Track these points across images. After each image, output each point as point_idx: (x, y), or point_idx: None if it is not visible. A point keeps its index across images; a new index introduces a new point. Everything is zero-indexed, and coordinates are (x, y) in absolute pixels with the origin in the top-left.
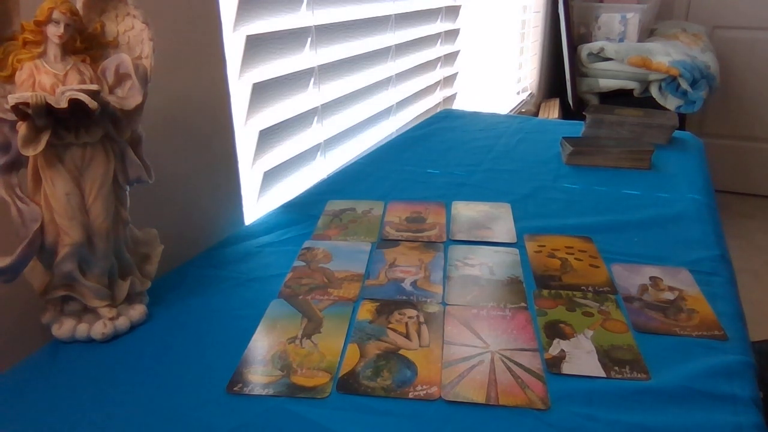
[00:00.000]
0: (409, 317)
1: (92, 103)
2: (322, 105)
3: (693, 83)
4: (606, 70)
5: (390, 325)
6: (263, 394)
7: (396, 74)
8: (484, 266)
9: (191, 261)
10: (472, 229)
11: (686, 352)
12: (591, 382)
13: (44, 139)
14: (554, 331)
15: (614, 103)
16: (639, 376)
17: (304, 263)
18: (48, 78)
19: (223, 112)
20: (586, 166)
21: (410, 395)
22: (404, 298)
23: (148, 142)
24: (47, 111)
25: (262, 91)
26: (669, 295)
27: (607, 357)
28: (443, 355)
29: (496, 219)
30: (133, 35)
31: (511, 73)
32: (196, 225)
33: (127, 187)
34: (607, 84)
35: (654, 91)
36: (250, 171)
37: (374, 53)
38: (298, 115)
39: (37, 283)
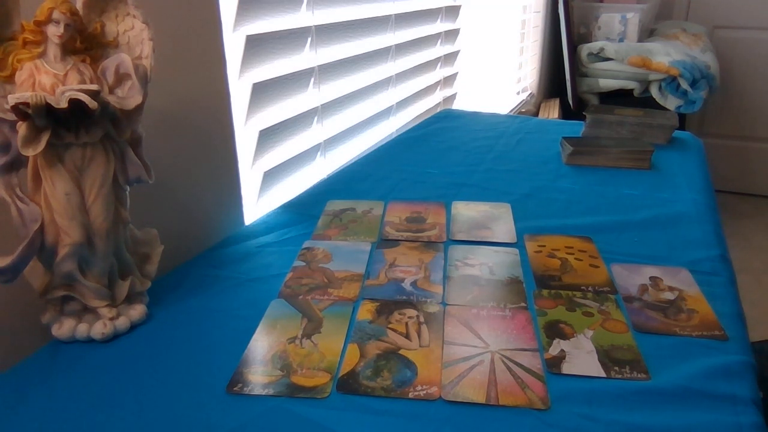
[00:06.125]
0: (409, 317)
1: (92, 103)
2: (322, 105)
3: (693, 83)
4: (606, 70)
5: (390, 325)
6: (263, 394)
7: (396, 74)
8: (484, 266)
9: (191, 261)
10: (472, 229)
11: (686, 352)
12: (591, 382)
13: (44, 139)
14: (554, 331)
15: (614, 103)
16: (639, 376)
17: (304, 263)
18: (48, 78)
19: (223, 112)
20: (586, 166)
21: (410, 395)
22: (404, 298)
23: (148, 142)
24: (47, 111)
25: (262, 91)
26: (669, 295)
27: (607, 357)
28: (443, 355)
29: (496, 219)
30: (133, 35)
31: (511, 73)
32: (196, 225)
33: (127, 187)
34: (607, 84)
35: (654, 91)
36: (250, 171)
37: (374, 53)
38: (298, 115)
39: (37, 283)
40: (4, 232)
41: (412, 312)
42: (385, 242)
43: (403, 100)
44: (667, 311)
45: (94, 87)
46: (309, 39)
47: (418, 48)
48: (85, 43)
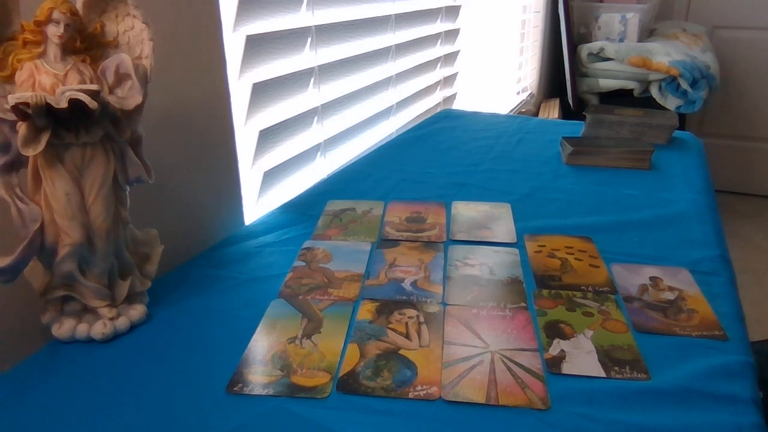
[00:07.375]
0: (409, 317)
1: (92, 103)
2: (322, 105)
3: (693, 83)
4: (606, 70)
5: (390, 325)
6: (263, 394)
7: (396, 74)
8: (484, 266)
9: (191, 261)
10: (472, 229)
11: (686, 352)
12: (591, 382)
13: (44, 139)
14: (554, 331)
15: (614, 103)
16: (639, 376)
17: (304, 263)
18: (48, 78)
19: (223, 112)
20: (586, 166)
21: (410, 395)
22: (404, 298)
23: (148, 142)
24: (47, 111)
25: (262, 91)
26: (669, 295)
27: (607, 357)
28: (443, 355)
29: (496, 219)
30: (133, 35)
31: (511, 73)
32: (196, 225)
33: (127, 187)
34: (607, 84)
35: (654, 91)
36: (250, 171)
37: (374, 53)
38: (298, 115)
39: (37, 283)
40: (4, 232)
41: (412, 312)
42: (385, 242)
43: (403, 100)
44: (667, 311)
45: (94, 87)
46: (309, 39)
47: (418, 48)
48: (85, 43)
